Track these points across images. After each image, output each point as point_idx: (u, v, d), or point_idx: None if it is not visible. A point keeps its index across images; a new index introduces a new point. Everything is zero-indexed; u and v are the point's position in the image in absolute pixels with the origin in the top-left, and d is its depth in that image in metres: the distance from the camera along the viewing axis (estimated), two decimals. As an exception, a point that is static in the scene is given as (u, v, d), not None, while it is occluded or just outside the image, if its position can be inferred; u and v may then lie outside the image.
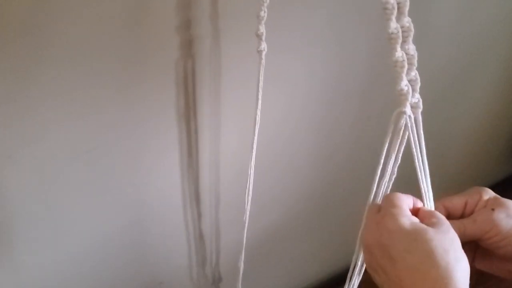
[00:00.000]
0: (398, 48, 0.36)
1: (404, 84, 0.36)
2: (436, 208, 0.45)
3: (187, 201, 0.78)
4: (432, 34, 0.93)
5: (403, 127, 0.38)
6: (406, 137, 0.39)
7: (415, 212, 0.43)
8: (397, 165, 0.41)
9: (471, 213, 0.45)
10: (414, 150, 0.39)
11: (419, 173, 0.40)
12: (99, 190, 0.67)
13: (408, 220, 0.39)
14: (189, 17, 0.59)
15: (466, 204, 0.45)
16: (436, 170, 1.30)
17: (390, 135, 0.39)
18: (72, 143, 0.60)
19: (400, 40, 0.36)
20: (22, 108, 0.54)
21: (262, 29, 0.55)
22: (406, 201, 0.42)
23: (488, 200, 0.44)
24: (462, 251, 0.39)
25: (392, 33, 0.36)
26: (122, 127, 0.63)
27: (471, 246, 0.45)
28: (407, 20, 0.36)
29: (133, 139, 0.65)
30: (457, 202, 0.45)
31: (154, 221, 0.76)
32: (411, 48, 0.37)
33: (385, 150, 0.40)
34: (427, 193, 0.43)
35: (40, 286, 0.70)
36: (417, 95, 0.38)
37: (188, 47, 0.61)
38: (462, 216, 0.45)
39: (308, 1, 0.70)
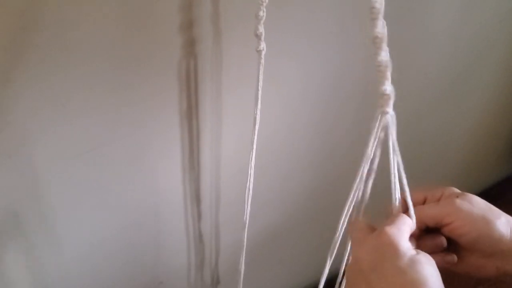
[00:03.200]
0: (383, 50, 0.37)
1: (388, 87, 0.37)
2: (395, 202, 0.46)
3: (188, 200, 0.78)
4: (432, 34, 0.93)
5: (387, 127, 0.40)
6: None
7: None
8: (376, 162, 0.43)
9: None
10: (392, 155, 0.40)
11: (392, 176, 0.42)
12: (99, 190, 0.67)
13: (407, 243, 0.41)
14: (191, 18, 0.60)
15: (425, 199, 0.47)
16: (436, 170, 1.31)
17: (374, 134, 0.40)
18: (72, 143, 0.60)
19: (384, 45, 0.37)
20: (24, 107, 0.54)
21: (261, 29, 0.55)
22: (365, 222, 0.45)
23: (452, 193, 0.45)
24: (439, 274, 0.40)
25: (376, 37, 0.37)
26: (123, 126, 0.63)
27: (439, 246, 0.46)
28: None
29: (135, 139, 0.65)
30: (416, 196, 0.46)
31: (155, 220, 0.77)
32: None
33: (372, 150, 0.42)
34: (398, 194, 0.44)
35: (39, 285, 0.70)
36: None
37: (190, 46, 0.62)
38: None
39: (306, 2, 0.70)
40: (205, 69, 0.66)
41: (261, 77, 0.59)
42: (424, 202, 0.47)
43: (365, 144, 0.44)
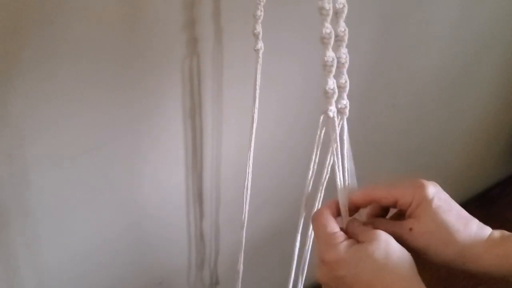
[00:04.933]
0: (328, 52, 0.38)
1: (330, 87, 0.38)
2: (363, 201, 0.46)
3: (190, 200, 0.78)
4: (433, 34, 0.92)
5: (330, 126, 0.40)
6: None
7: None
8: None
9: (401, 212, 0.45)
10: (334, 150, 0.40)
11: (337, 177, 0.42)
12: (100, 190, 0.67)
13: (344, 247, 0.41)
14: (194, 16, 0.60)
15: (397, 202, 0.45)
16: (436, 170, 1.29)
17: (318, 134, 0.41)
18: (72, 143, 0.60)
19: (330, 46, 0.38)
20: (23, 107, 0.54)
21: (259, 28, 0.55)
22: (332, 221, 0.44)
23: (416, 207, 0.44)
24: (399, 245, 0.41)
25: (324, 38, 0.38)
26: (125, 125, 0.63)
27: None
28: (343, 26, 0.38)
29: (137, 138, 0.65)
30: (388, 200, 0.45)
31: (156, 221, 0.77)
32: (344, 55, 0.39)
33: (315, 150, 0.42)
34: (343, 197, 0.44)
35: (39, 285, 0.70)
36: (345, 101, 0.40)
37: (193, 45, 0.62)
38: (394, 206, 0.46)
39: (304, 2, 0.69)
40: (207, 68, 0.66)
41: (259, 76, 0.59)
42: (395, 204, 0.45)
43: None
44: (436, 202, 0.43)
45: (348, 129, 0.43)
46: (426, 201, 0.43)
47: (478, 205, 1.39)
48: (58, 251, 0.69)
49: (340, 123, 0.40)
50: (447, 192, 0.46)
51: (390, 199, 0.45)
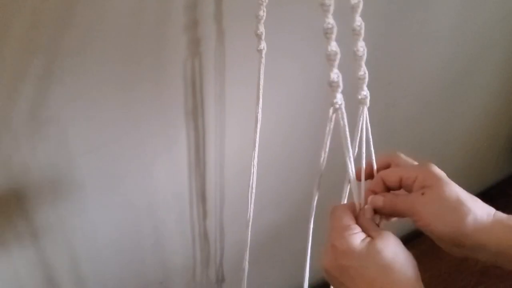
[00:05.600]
0: (331, 44, 0.39)
1: (334, 79, 0.40)
2: (375, 182, 0.48)
3: (194, 199, 0.78)
4: (433, 34, 0.92)
5: (340, 117, 0.42)
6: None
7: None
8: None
9: (408, 188, 0.46)
10: (344, 141, 0.41)
11: (349, 165, 0.43)
12: (102, 189, 0.67)
13: (357, 239, 0.43)
14: (196, 17, 0.61)
15: (401, 179, 0.46)
16: None
17: (328, 127, 0.42)
18: (78, 143, 0.61)
19: (332, 39, 0.39)
20: (25, 107, 0.55)
21: (262, 28, 0.56)
22: (349, 215, 0.45)
23: (424, 181, 0.45)
24: (405, 248, 0.42)
25: (326, 31, 0.39)
26: (129, 125, 0.64)
27: None
28: (359, 21, 0.39)
29: (140, 138, 0.66)
30: (392, 178, 0.47)
31: (159, 220, 0.77)
32: (361, 48, 0.40)
33: (328, 141, 0.43)
34: (357, 189, 0.46)
35: (40, 284, 0.71)
36: (365, 92, 0.41)
37: (195, 46, 0.63)
38: (400, 187, 0.47)
39: (306, 1, 0.70)
40: (209, 69, 0.67)
41: (262, 76, 0.60)
42: (400, 182, 0.47)
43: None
44: (445, 179, 0.45)
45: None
46: (435, 175, 0.45)
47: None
48: (60, 251, 0.69)
49: (362, 113, 0.41)
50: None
51: (394, 178, 0.47)
